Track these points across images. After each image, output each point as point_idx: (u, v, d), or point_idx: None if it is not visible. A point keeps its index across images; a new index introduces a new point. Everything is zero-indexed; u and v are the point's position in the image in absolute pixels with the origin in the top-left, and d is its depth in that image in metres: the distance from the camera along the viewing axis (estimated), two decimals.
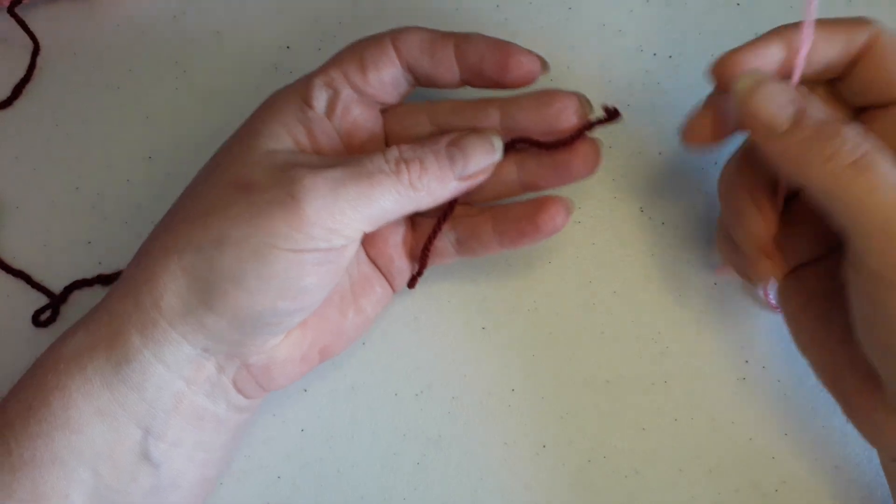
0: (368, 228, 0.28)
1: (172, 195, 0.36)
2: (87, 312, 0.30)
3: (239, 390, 0.30)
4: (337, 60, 0.31)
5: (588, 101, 0.31)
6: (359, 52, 0.31)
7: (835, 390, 0.30)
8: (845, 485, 0.34)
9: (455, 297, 0.36)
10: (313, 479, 0.35)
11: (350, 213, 0.27)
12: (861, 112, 0.30)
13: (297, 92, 0.31)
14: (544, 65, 0.31)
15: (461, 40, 0.31)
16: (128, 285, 0.29)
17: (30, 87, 0.37)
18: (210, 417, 0.30)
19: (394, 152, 0.29)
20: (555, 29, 0.38)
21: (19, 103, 0.37)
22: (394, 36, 0.31)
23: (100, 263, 0.36)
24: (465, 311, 0.36)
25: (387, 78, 0.31)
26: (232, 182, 0.28)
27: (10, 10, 0.36)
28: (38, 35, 0.37)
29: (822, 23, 0.29)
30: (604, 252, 0.36)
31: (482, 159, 0.30)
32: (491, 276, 0.36)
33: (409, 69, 0.31)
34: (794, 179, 0.27)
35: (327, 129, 0.31)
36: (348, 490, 0.35)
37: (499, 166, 0.31)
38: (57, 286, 0.36)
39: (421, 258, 0.33)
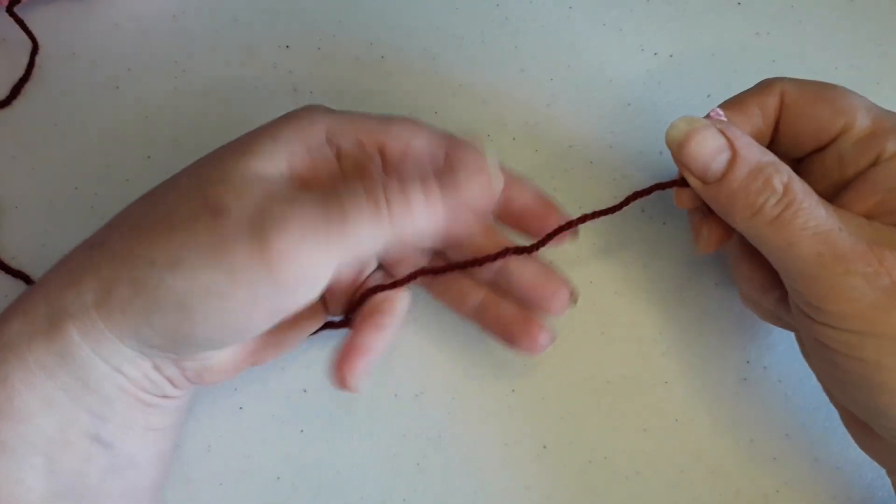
0: (340, 267, 0.27)
1: None
2: (20, 294, 0.29)
3: (174, 385, 0.30)
4: (385, 121, 0.31)
5: (576, 295, 0.32)
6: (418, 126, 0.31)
7: (843, 419, 0.31)
8: (846, 486, 0.34)
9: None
10: (313, 479, 0.35)
11: (322, 256, 0.26)
12: (799, 162, 0.31)
13: (325, 126, 0.30)
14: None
15: (515, 183, 0.31)
16: (72, 273, 0.28)
17: (29, 86, 0.37)
18: (153, 405, 0.30)
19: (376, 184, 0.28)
20: (555, 29, 0.38)
21: (18, 103, 0.37)
22: (451, 141, 0.31)
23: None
24: None
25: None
26: (205, 201, 0.27)
27: (9, 10, 0.36)
28: (38, 35, 0.37)
29: (732, 102, 0.30)
30: (604, 252, 0.36)
31: (474, 190, 0.28)
32: None
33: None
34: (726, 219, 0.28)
35: (332, 165, 0.30)
36: (348, 490, 0.34)
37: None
38: None
39: (354, 301, 0.32)
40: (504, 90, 0.37)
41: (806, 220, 0.26)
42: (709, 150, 0.27)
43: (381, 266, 0.34)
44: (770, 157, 0.28)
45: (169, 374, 0.29)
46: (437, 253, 0.34)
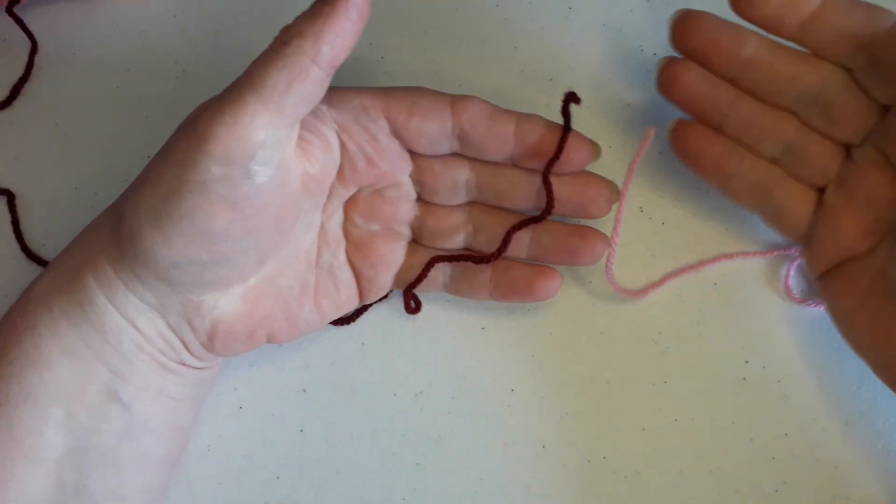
0: (275, 119, 0.27)
1: None
2: (54, 257, 0.31)
3: (190, 352, 0.30)
4: (386, 92, 0.31)
5: (617, 191, 0.33)
6: (412, 96, 0.31)
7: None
8: (845, 485, 0.34)
9: (455, 297, 0.36)
10: (313, 479, 0.35)
11: (240, 111, 0.26)
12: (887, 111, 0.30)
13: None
14: (597, 151, 0.32)
15: (523, 119, 0.31)
16: (91, 229, 0.30)
17: (28, 86, 0.37)
18: (170, 370, 0.30)
19: None
20: (555, 29, 0.38)
21: (18, 103, 0.37)
22: (455, 99, 0.31)
23: None
24: (465, 310, 0.36)
25: (428, 131, 0.31)
26: (174, 133, 0.29)
27: (9, 10, 0.36)
28: (37, 35, 0.37)
29: None
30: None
31: None
32: None
33: (460, 134, 0.31)
34: None
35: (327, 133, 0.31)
36: (348, 490, 0.34)
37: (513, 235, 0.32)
38: None
39: (407, 291, 0.34)
40: (504, 90, 0.37)
41: None
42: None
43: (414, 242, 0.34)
44: None
45: (183, 334, 0.30)
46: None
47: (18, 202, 0.36)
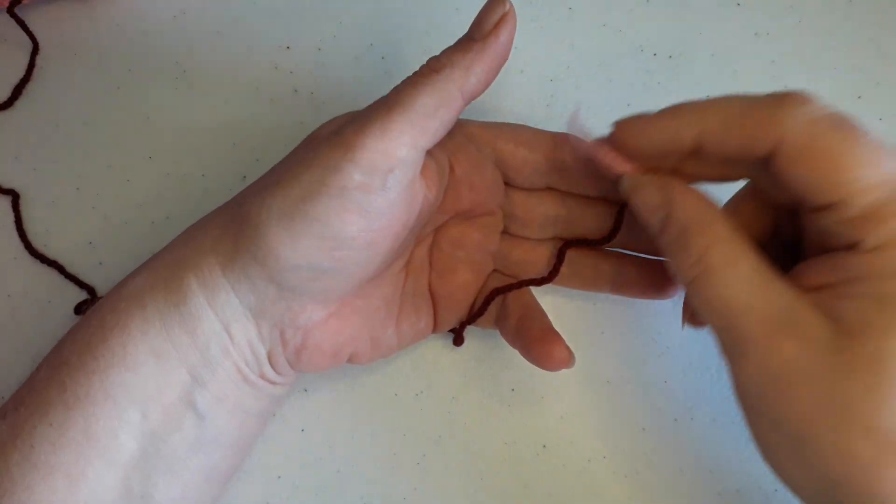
0: (417, 138, 0.28)
1: (172, 195, 0.37)
2: (150, 257, 0.31)
3: (272, 365, 0.31)
4: (490, 124, 0.32)
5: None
6: (516, 128, 0.32)
7: None
8: None
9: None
10: (313, 479, 0.35)
11: (389, 125, 0.27)
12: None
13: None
14: None
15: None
16: (195, 230, 0.30)
17: (29, 87, 0.37)
18: (249, 382, 0.30)
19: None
20: (555, 29, 0.38)
21: (19, 104, 0.37)
22: (555, 134, 0.32)
23: (100, 263, 0.36)
24: None
25: (533, 161, 0.32)
26: (304, 142, 0.30)
27: (10, 10, 0.36)
28: (38, 35, 0.37)
29: (736, 102, 0.27)
30: None
31: (495, 10, 0.29)
32: None
33: (561, 167, 0.32)
34: None
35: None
36: (348, 490, 0.35)
37: (595, 264, 0.33)
38: None
39: (462, 326, 0.34)
40: (504, 90, 0.37)
41: (714, 292, 0.26)
42: (648, 207, 0.28)
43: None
44: (704, 213, 0.27)
45: (272, 345, 0.30)
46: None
47: (20, 202, 0.36)
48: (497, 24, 0.29)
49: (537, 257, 0.34)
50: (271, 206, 0.28)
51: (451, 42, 0.29)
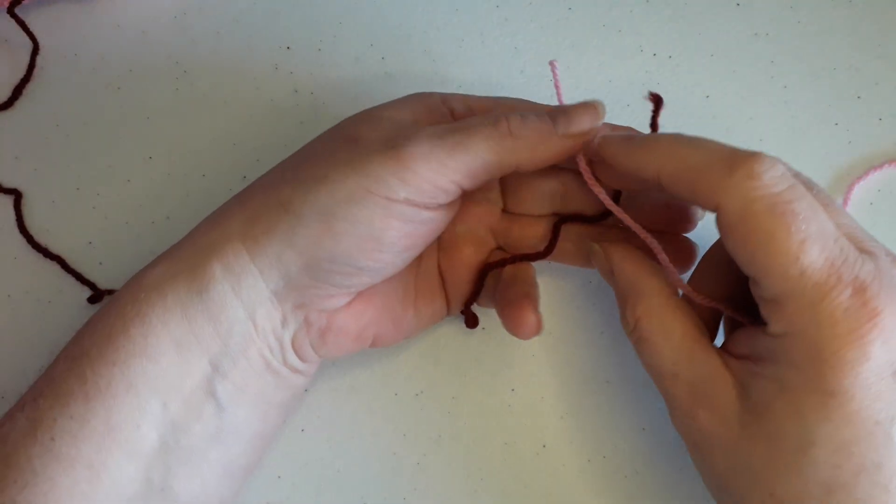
0: (465, 182, 0.29)
1: (172, 195, 0.37)
2: (170, 247, 0.30)
3: (295, 350, 0.31)
4: (492, 99, 0.33)
5: None
6: (513, 103, 0.32)
7: None
8: None
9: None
10: (313, 479, 0.35)
11: (447, 162, 0.28)
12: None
13: (440, 95, 0.32)
14: None
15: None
16: (218, 218, 0.30)
17: (30, 87, 0.37)
18: (272, 370, 0.30)
19: (495, 111, 0.30)
20: (555, 29, 0.38)
21: (19, 104, 0.37)
22: (552, 109, 0.32)
23: (100, 263, 0.36)
24: None
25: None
26: (342, 136, 0.30)
27: (10, 11, 0.36)
28: (38, 35, 0.37)
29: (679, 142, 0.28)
30: None
31: (585, 120, 0.30)
32: None
33: None
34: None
35: (449, 119, 0.31)
36: (348, 490, 0.35)
37: (595, 241, 0.32)
38: None
39: (475, 281, 0.33)
40: (504, 90, 0.37)
41: (645, 359, 0.29)
42: (602, 272, 0.31)
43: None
44: (639, 282, 0.29)
45: (294, 331, 0.30)
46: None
47: (21, 202, 0.36)
48: (582, 133, 0.29)
49: (536, 233, 0.33)
50: (315, 202, 0.28)
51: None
